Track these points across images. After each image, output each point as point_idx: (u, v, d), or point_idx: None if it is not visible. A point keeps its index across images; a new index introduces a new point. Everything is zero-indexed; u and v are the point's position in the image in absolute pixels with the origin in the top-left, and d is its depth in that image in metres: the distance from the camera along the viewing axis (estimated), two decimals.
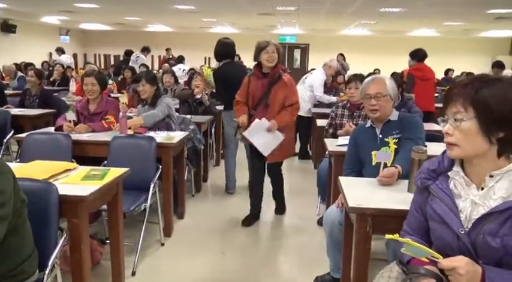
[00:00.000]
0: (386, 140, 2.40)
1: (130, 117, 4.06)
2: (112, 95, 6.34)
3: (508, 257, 1.21)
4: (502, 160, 1.26)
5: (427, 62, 5.81)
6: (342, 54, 9.70)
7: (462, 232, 1.28)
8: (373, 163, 2.32)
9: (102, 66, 16.17)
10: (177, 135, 3.52)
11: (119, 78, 8.28)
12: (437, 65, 12.38)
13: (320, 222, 3.62)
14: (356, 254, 1.94)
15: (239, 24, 14.18)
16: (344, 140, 3.31)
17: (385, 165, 2.23)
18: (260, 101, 3.45)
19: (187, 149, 3.95)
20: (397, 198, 1.97)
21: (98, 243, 2.87)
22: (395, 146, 2.33)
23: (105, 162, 3.12)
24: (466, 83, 1.27)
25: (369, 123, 2.59)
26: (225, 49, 4.23)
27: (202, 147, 4.27)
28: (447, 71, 11.06)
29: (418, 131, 2.46)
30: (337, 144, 3.27)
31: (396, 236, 1.29)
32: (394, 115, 2.52)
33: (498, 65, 7.32)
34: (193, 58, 13.22)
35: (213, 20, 13.23)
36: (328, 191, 3.42)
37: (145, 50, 10.51)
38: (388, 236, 1.31)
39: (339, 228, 2.41)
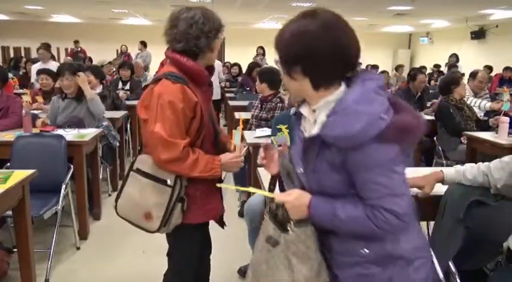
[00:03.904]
0: (278, 126, 2.42)
1: (35, 115, 3.79)
2: (14, 91, 5.85)
3: (326, 188, 1.26)
4: (322, 92, 1.23)
5: None
6: (261, 47, 9.73)
7: (299, 171, 1.33)
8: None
9: (0, 60, 14.76)
10: (89, 133, 3.34)
11: (20, 73, 7.66)
12: None
13: (241, 214, 3.67)
14: None
15: (152, 16, 13.74)
16: (261, 131, 3.39)
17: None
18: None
19: (101, 147, 3.77)
20: None
21: (4, 252, 2.65)
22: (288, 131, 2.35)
23: (8, 164, 2.88)
24: None
25: (293, 111, 2.66)
26: None
27: (118, 144, 4.10)
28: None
29: None
30: (255, 136, 3.35)
31: (250, 188, 1.43)
32: None
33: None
34: (105, 51, 12.58)
35: (124, 11, 12.67)
36: (249, 182, 3.48)
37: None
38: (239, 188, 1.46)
39: (260, 217, 2.46)
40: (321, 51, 1.18)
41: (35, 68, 6.08)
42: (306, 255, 1.27)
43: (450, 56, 10.49)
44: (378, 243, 1.24)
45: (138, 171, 1.71)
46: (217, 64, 7.03)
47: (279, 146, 1.84)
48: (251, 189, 1.43)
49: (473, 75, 4.92)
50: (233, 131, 1.79)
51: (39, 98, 4.31)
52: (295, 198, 1.28)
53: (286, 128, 2.24)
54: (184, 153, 1.62)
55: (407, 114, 1.19)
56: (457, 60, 10.26)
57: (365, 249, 1.24)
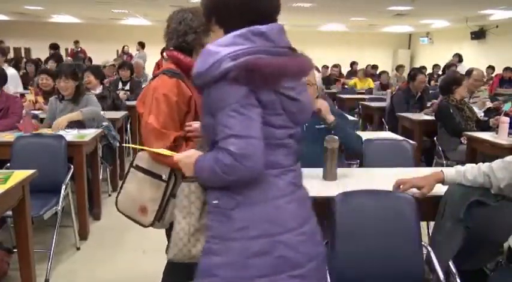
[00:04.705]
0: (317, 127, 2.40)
1: (36, 115, 3.79)
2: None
3: (206, 136, 1.32)
4: None
5: (337, 54, 6.15)
6: None
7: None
8: None
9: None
10: (89, 133, 3.34)
11: (21, 73, 7.64)
12: (346, 58, 13.18)
13: None
14: None
15: (152, 16, 13.74)
16: None
17: None
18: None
19: (101, 147, 3.77)
20: (314, 186, 2.05)
21: (4, 252, 2.64)
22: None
23: (8, 164, 2.88)
24: None
25: None
26: None
27: (118, 144, 4.10)
28: (352, 64, 11.37)
29: (349, 120, 2.58)
30: None
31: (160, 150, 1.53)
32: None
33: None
34: (105, 51, 12.58)
35: (124, 11, 12.68)
36: None
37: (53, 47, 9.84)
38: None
39: None
40: (229, 4, 1.26)
41: None
42: (186, 209, 1.36)
43: (454, 56, 10.46)
44: (226, 198, 1.25)
45: (137, 167, 1.75)
46: None
47: None
48: (160, 151, 1.53)
49: (469, 73, 4.91)
50: None
51: (40, 98, 4.32)
52: (186, 156, 1.36)
53: None
54: (176, 145, 1.65)
55: (273, 57, 1.20)
56: (460, 60, 10.20)
57: (216, 201, 1.27)
